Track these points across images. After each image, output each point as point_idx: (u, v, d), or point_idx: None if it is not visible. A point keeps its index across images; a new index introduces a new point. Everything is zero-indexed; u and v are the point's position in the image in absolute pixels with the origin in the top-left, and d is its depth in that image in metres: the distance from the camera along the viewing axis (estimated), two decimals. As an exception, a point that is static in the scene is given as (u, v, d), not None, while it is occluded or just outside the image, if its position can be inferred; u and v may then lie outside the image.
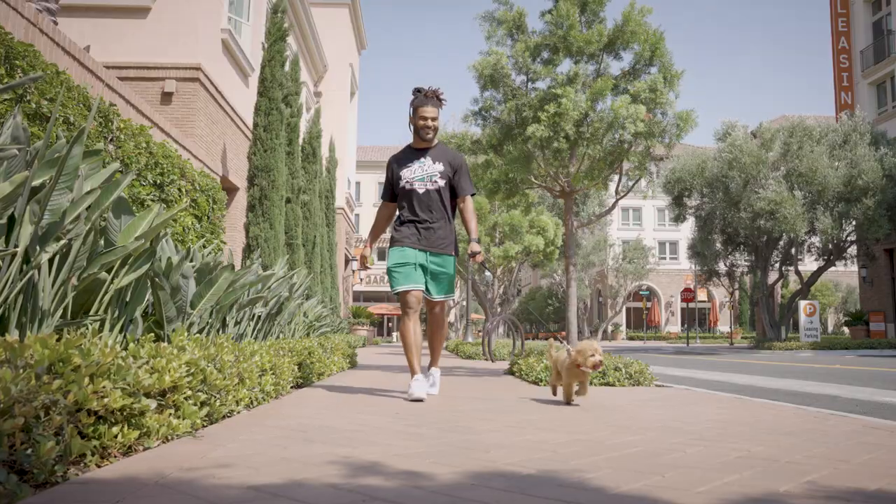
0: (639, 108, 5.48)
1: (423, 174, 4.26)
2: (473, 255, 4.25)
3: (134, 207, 4.49)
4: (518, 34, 6.15)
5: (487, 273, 5.30)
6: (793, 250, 23.39)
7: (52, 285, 2.24)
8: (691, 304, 39.06)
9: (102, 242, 2.68)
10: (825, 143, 20.78)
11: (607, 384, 5.20)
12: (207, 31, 12.00)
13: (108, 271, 2.66)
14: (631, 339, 46.98)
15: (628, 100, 5.51)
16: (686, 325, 37.11)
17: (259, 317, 4.72)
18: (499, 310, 24.21)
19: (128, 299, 2.83)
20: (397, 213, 4.45)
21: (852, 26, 26.51)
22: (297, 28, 19.78)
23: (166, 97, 11.39)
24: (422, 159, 4.32)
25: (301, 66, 19.77)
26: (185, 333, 2.82)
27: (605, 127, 5.45)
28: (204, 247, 5.35)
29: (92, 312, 2.63)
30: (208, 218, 6.01)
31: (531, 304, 56.35)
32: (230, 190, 14.15)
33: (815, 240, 22.91)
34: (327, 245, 19.55)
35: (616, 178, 6.41)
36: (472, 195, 4.44)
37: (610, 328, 47.11)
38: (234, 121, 13.72)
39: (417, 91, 4.27)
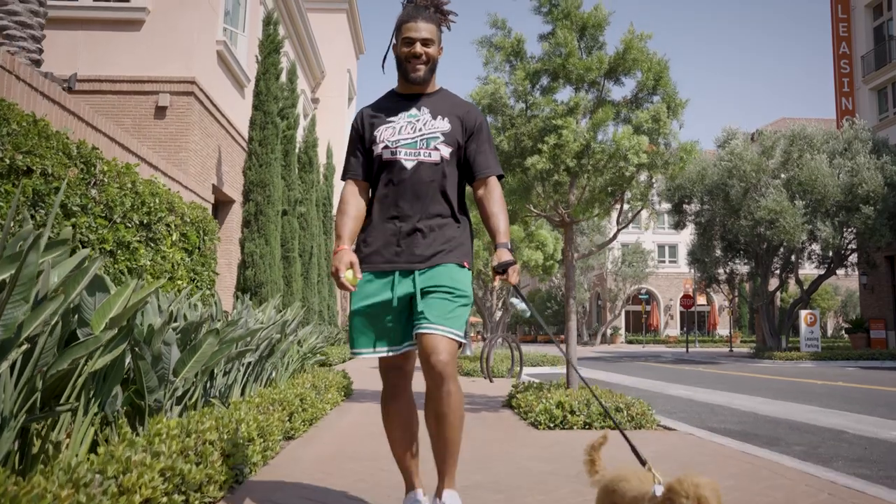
0: (641, 139, 5.32)
1: (415, 135, 2.49)
2: (502, 270, 2.38)
3: (118, 253, 4.34)
4: (517, 61, 5.98)
5: (521, 305, 3.61)
6: (793, 257, 23.26)
7: (15, 387, 2.08)
8: (690, 308, 38.91)
9: (76, 319, 2.53)
10: (826, 151, 20.64)
11: (609, 427, 5.04)
12: (202, 43, 11.83)
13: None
14: (630, 342, 46.84)
15: (631, 130, 5.36)
16: (685, 329, 37.04)
17: (249, 363, 4.57)
18: (498, 315, 24.09)
19: (105, 373, 2.67)
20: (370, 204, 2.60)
21: (853, 31, 26.36)
22: (295, 35, 19.60)
23: (160, 111, 11.22)
24: (413, 111, 2.54)
25: (298, 73, 19.62)
26: (165, 419, 2.66)
27: (606, 158, 5.30)
28: (191, 294, 5.18)
29: (64, 398, 2.47)
30: (199, 250, 5.85)
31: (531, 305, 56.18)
32: (225, 202, 13.98)
33: (816, 247, 22.78)
34: (325, 254, 19.40)
35: (617, 206, 6.26)
36: (500, 178, 2.62)
37: (609, 332, 46.98)
38: (230, 132, 13.56)
39: (409, 1, 2.59)
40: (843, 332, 31.85)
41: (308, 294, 16.32)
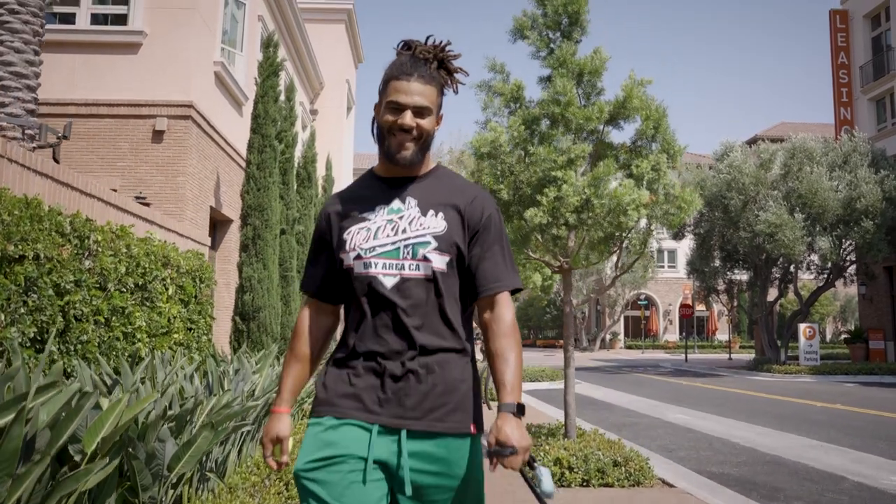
0: (642, 193, 5.29)
1: (397, 240, 1.83)
2: (497, 452, 1.64)
3: (113, 319, 4.30)
4: (516, 106, 5.96)
5: (547, 486, 1.54)
6: (792, 267, 23.25)
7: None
8: (690, 317, 38.99)
9: (68, 433, 2.50)
10: (825, 164, 20.62)
11: (606, 485, 5.01)
12: (200, 65, 11.79)
13: (72, 467, 2.47)
14: (629, 347, 46.83)
15: (632, 183, 5.33)
16: (685, 334, 37.04)
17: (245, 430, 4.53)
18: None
19: (98, 484, 2.64)
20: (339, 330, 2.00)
21: (852, 42, 26.33)
22: (294, 48, 19.57)
23: (158, 135, 11.18)
24: (396, 204, 1.88)
25: (297, 85, 19.56)
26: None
27: (605, 212, 5.27)
28: (187, 348, 5.15)
29: (55, 519, 2.43)
30: (195, 298, 5.82)
31: (530, 310, 56.28)
32: (223, 222, 13.95)
33: (815, 257, 22.77)
34: (323, 267, 19.36)
35: (615, 251, 6.23)
36: (517, 292, 1.90)
37: (608, 337, 46.98)
38: (227, 152, 13.52)
39: (405, 48, 1.90)
40: (843, 339, 31.87)
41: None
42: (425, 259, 1.80)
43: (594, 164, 5.85)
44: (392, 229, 1.84)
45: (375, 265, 1.81)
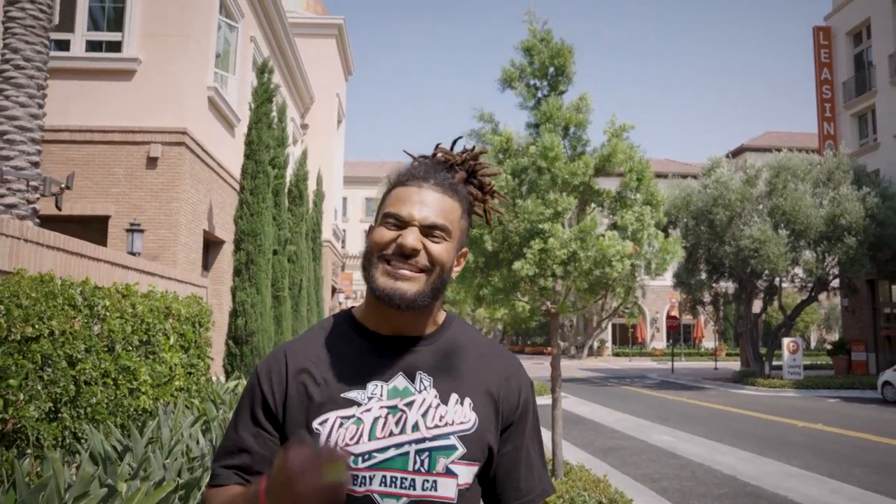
0: (626, 244, 5.53)
1: (405, 442, 1.16)
2: None
3: (120, 377, 4.48)
4: (504, 157, 6.19)
5: None
6: (776, 280, 23.65)
7: None
8: (676, 328, 39.40)
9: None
10: (809, 180, 21.02)
11: (593, 528, 5.23)
12: (193, 90, 11.94)
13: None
14: (617, 355, 47.23)
15: (616, 235, 5.57)
16: (671, 341, 37.40)
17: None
18: (490, 336, 24.20)
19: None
20: None
21: (835, 58, 26.81)
22: (285, 66, 19.73)
23: (151, 161, 11.31)
24: (398, 379, 1.21)
25: (288, 102, 19.71)
26: None
27: (591, 264, 5.50)
28: (188, 391, 5.32)
29: None
30: (195, 343, 6.00)
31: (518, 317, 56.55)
32: (216, 243, 14.09)
33: (799, 270, 23.18)
34: (314, 282, 19.53)
35: (602, 298, 6.47)
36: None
37: (596, 345, 47.34)
38: (220, 174, 13.66)
39: (421, 157, 1.32)
40: (826, 350, 32.39)
41: (298, 327, 16.47)
42: (447, 472, 1.17)
43: (581, 211, 6.09)
44: (397, 424, 1.18)
45: (371, 480, 1.15)
